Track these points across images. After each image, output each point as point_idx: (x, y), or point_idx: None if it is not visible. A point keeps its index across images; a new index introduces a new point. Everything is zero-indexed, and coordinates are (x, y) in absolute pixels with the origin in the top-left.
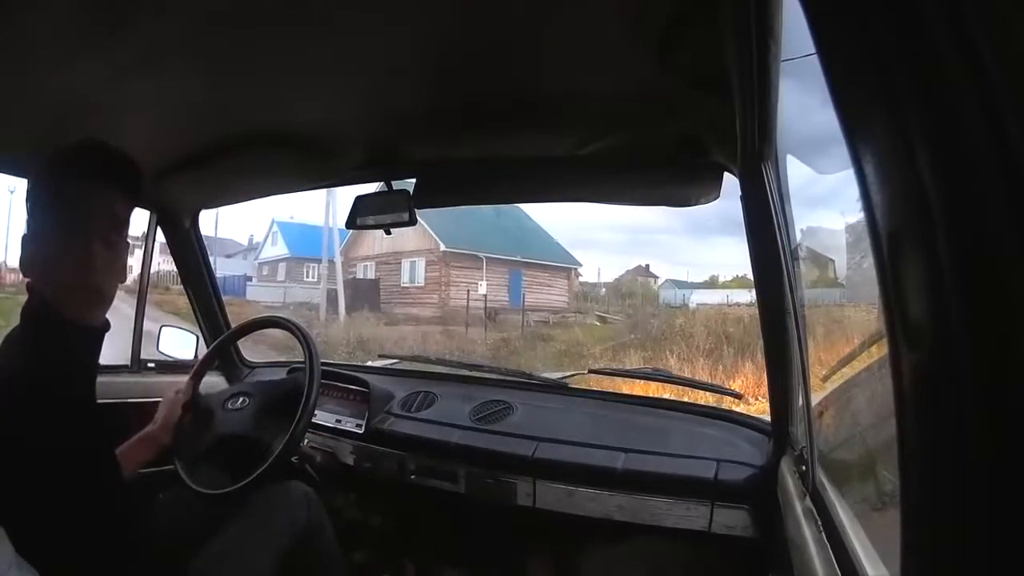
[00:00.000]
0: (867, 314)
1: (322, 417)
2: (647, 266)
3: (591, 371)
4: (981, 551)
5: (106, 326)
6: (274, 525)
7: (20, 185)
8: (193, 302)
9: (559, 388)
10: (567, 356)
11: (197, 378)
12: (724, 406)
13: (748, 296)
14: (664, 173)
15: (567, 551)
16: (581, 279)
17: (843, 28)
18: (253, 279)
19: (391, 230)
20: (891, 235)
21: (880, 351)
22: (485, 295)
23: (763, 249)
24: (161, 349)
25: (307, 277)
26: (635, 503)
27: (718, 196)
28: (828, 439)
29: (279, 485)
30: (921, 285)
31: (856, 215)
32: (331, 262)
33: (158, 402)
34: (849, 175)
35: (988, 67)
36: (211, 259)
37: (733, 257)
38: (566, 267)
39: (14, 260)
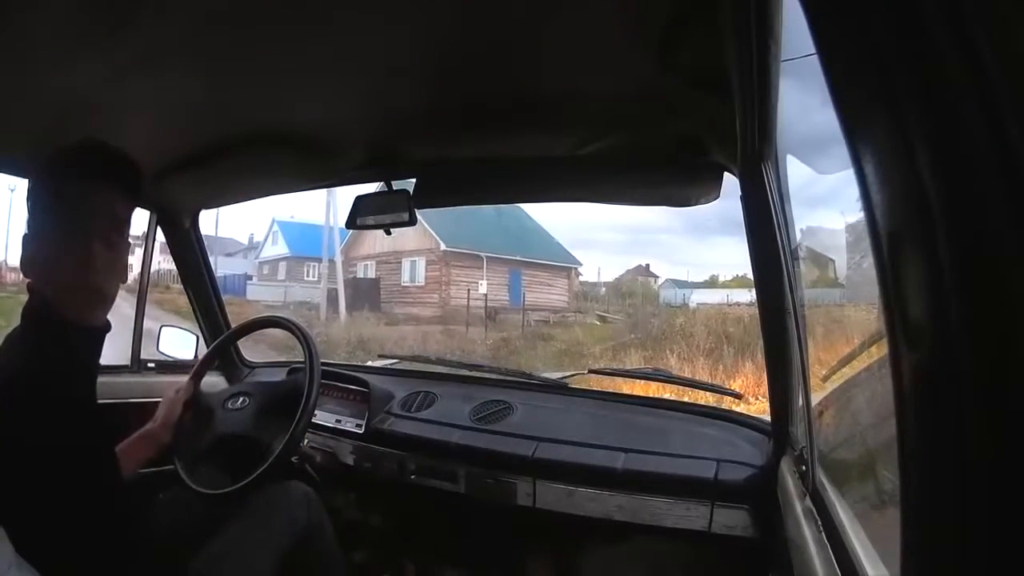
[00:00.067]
0: (867, 314)
1: (322, 417)
2: (647, 266)
3: (591, 371)
4: (981, 551)
5: (107, 327)
6: (274, 525)
7: (20, 184)
8: (193, 302)
9: (559, 388)
10: (567, 355)
11: (197, 378)
12: (724, 406)
13: (748, 296)
14: (664, 173)
15: (567, 551)
16: (581, 279)
17: (843, 28)
18: (253, 278)
19: (391, 230)
20: (891, 235)
21: (880, 351)
22: (485, 295)
23: (763, 249)
24: (161, 349)
25: (307, 276)
26: (635, 503)
27: (718, 196)
28: (828, 439)
29: (279, 485)
30: (921, 285)
31: (856, 215)
32: (331, 261)
33: (158, 402)
34: (849, 175)
35: (988, 67)
36: (211, 258)
37: (733, 257)
38: (566, 267)
39: (14, 259)
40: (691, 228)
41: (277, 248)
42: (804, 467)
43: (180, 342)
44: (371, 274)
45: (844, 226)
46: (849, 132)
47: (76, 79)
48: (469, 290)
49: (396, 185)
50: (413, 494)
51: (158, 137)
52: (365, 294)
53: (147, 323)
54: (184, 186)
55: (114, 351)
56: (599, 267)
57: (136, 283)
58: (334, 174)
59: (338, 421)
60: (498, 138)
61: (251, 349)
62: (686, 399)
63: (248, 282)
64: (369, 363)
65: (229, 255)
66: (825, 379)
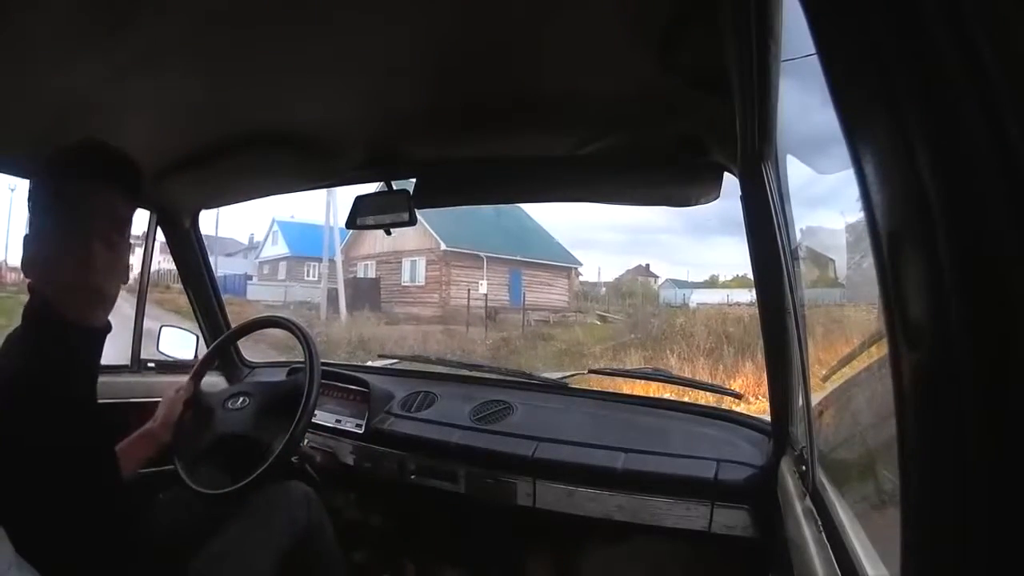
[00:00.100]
0: (867, 314)
1: (322, 417)
2: (647, 266)
3: (591, 371)
4: (981, 551)
5: (107, 328)
6: (274, 525)
7: (20, 184)
8: (193, 302)
9: (559, 388)
10: (568, 355)
11: (197, 378)
12: (724, 406)
13: (748, 296)
14: (664, 173)
15: (567, 551)
16: (581, 278)
17: (843, 28)
18: (254, 278)
19: (391, 230)
20: (891, 235)
21: (880, 351)
22: (486, 294)
23: (763, 249)
24: (161, 349)
25: (308, 276)
26: (635, 503)
27: (718, 196)
28: (828, 439)
29: (279, 485)
30: (921, 285)
31: (856, 215)
32: (332, 261)
33: (158, 402)
34: (849, 175)
35: (988, 67)
36: (211, 258)
37: (733, 257)
38: (566, 267)
39: (14, 259)
40: (691, 228)
41: (277, 248)
42: (804, 467)
43: (180, 342)
44: (371, 274)
45: (844, 226)
46: (849, 132)
47: (76, 79)
48: (469, 290)
49: (396, 185)
50: (413, 494)
51: (158, 137)
52: (365, 294)
53: (147, 323)
54: (184, 186)
55: (114, 351)
56: (599, 267)
57: (136, 283)
58: (334, 174)
59: (338, 421)
60: (498, 138)
61: (251, 349)
62: (686, 399)
63: (248, 282)
64: (369, 363)
65: (229, 255)
66: (825, 379)
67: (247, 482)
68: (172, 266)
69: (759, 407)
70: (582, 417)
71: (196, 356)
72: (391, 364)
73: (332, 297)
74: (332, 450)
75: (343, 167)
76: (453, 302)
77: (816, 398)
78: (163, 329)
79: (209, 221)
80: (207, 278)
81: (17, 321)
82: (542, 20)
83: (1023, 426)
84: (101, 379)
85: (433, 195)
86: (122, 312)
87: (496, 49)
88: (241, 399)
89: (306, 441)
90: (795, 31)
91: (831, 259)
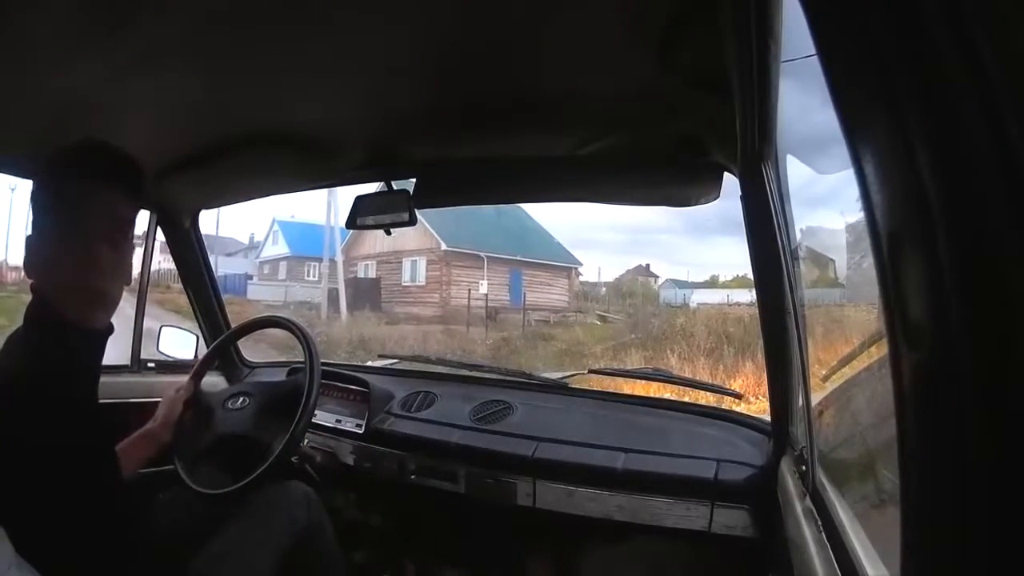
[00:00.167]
0: (867, 314)
1: (322, 417)
2: (647, 266)
3: (591, 371)
4: (981, 551)
5: (109, 329)
6: (274, 525)
7: (20, 184)
8: (193, 302)
9: (559, 388)
10: (568, 355)
11: (197, 378)
12: (724, 406)
13: (748, 296)
14: (664, 173)
15: (567, 551)
16: (581, 279)
17: (843, 28)
18: (254, 278)
19: (392, 230)
20: (891, 235)
21: (880, 351)
22: (486, 294)
23: (763, 249)
24: (161, 349)
25: (308, 276)
26: (635, 503)
27: (718, 196)
28: (828, 439)
29: (279, 485)
30: (921, 285)
31: (856, 215)
32: (332, 261)
33: (158, 402)
34: (849, 175)
35: (988, 67)
36: (212, 258)
37: (733, 257)
38: (567, 267)
39: (14, 258)
40: (691, 228)
41: (278, 248)
42: (804, 467)
43: (180, 342)
44: (372, 274)
45: (844, 226)
46: (849, 132)
47: (76, 79)
48: (470, 290)
49: (396, 185)
50: (413, 494)
51: (158, 137)
52: (366, 294)
53: (147, 323)
54: (184, 186)
55: (115, 351)
56: (599, 267)
57: (136, 283)
58: (334, 174)
59: (338, 421)
60: (498, 138)
61: (251, 349)
62: (686, 399)
63: (249, 282)
64: (369, 363)
65: (229, 255)
66: (825, 379)
67: (247, 482)
68: (172, 266)
69: (759, 407)
70: (582, 417)
71: (196, 356)
72: (391, 364)
73: (333, 297)
74: (332, 450)
75: (343, 167)
76: (453, 302)
77: (816, 398)
78: (163, 329)
79: (209, 221)
80: (207, 278)
81: (17, 321)
82: (542, 20)
83: (1023, 426)
84: (101, 379)
85: (433, 195)
86: (122, 312)
87: (496, 49)
88: (241, 399)
89: (306, 441)
90: (795, 31)
91: (831, 259)
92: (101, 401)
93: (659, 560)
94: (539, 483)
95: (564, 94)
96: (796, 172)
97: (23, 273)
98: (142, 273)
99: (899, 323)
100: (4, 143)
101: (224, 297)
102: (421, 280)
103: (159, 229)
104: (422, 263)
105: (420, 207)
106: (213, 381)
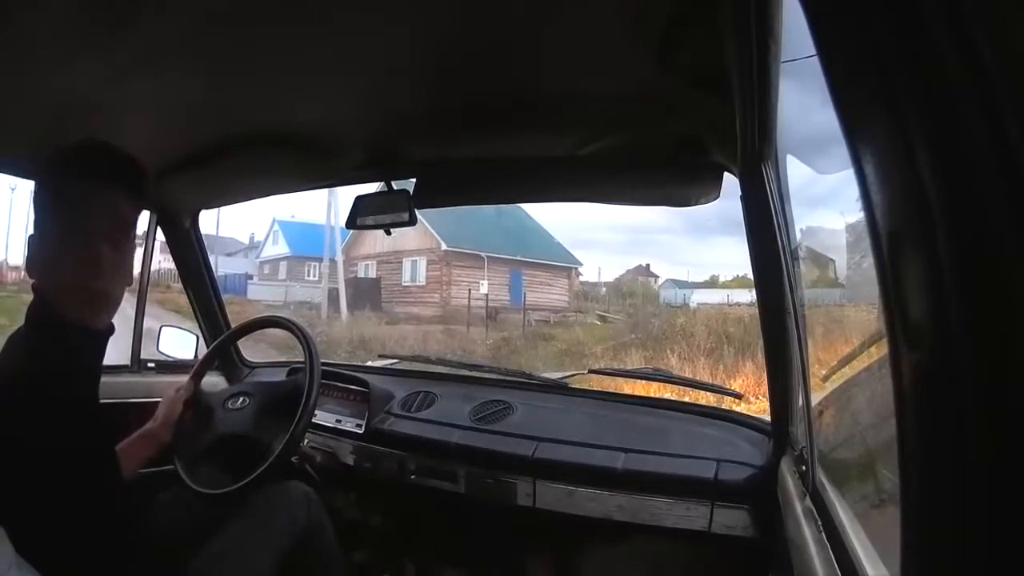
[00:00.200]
0: (867, 314)
1: (322, 417)
2: (647, 266)
3: (591, 371)
4: (981, 551)
5: (110, 330)
6: (274, 525)
7: (21, 183)
8: (193, 302)
9: (559, 388)
10: (568, 355)
11: (197, 377)
12: (724, 406)
13: (748, 296)
14: (664, 173)
15: (567, 551)
16: (582, 278)
17: (843, 28)
18: (254, 278)
19: (392, 230)
20: (891, 235)
21: (880, 351)
22: (486, 294)
23: (763, 249)
24: (161, 349)
25: (308, 276)
26: (635, 503)
27: (718, 196)
28: (828, 439)
29: (279, 485)
30: (921, 285)
31: (856, 215)
32: (332, 261)
33: (158, 402)
34: (849, 175)
35: (988, 67)
36: (212, 258)
37: (733, 257)
38: (567, 267)
39: (14, 258)
40: (691, 228)
41: (278, 248)
42: (804, 467)
43: (180, 342)
44: (372, 274)
45: (844, 226)
46: (849, 132)
47: (76, 79)
48: (470, 290)
49: (396, 185)
50: (413, 494)
51: (158, 137)
52: (366, 294)
53: (147, 323)
54: (184, 186)
55: (115, 351)
56: (599, 267)
57: (136, 283)
58: (334, 174)
59: (338, 421)
60: (498, 138)
61: (251, 349)
62: (686, 399)
63: (249, 281)
64: (369, 363)
65: (230, 255)
66: (825, 379)
67: (247, 482)
68: (172, 266)
69: (759, 407)
70: (582, 417)
71: (196, 356)
72: (391, 364)
73: (333, 297)
74: (332, 450)
75: (343, 167)
76: (454, 302)
77: (816, 398)
78: (163, 329)
79: (209, 221)
80: (207, 278)
81: (17, 321)
82: (542, 20)
83: (1023, 426)
84: (101, 379)
85: (433, 195)
86: (122, 312)
87: (496, 49)
88: (241, 399)
89: (306, 441)
90: (795, 31)
91: (831, 259)
92: (101, 401)
93: (659, 560)
94: (539, 483)
95: (564, 94)
96: (796, 172)
97: (23, 273)
98: (142, 273)
99: (899, 323)
100: (4, 143)
101: (224, 297)
102: (421, 280)
103: (159, 229)
104: (422, 263)
105: (420, 207)
106: (213, 381)
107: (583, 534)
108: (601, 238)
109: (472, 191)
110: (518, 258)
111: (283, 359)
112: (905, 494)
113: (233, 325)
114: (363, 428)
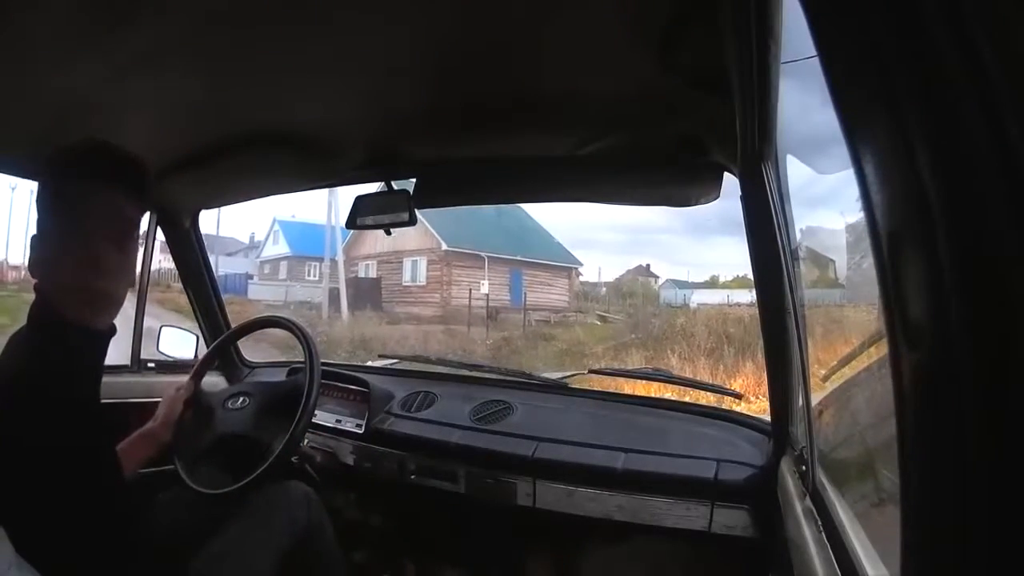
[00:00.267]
0: (867, 314)
1: (322, 417)
2: (648, 266)
3: (591, 371)
4: (981, 551)
5: (112, 330)
6: (274, 525)
7: (21, 183)
8: (193, 302)
9: (559, 388)
10: (568, 355)
11: (198, 377)
12: (724, 406)
13: (748, 296)
14: (664, 173)
15: (567, 551)
16: (582, 279)
17: (843, 28)
18: (255, 277)
19: (392, 230)
20: (891, 235)
21: (880, 351)
22: (487, 294)
23: (763, 249)
24: (161, 349)
25: (309, 276)
26: (635, 503)
27: (718, 196)
28: (828, 439)
29: (279, 485)
30: (921, 285)
31: (856, 215)
32: (333, 261)
33: (158, 402)
34: (849, 175)
35: (988, 67)
36: (212, 258)
37: (733, 257)
38: (567, 267)
39: (14, 258)
40: (691, 228)
41: (278, 247)
42: (804, 467)
43: (180, 342)
44: (372, 274)
45: (844, 226)
46: (849, 132)
47: (76, 79)
48: (470, 290)
49: (396, 185)
50: (413, 494)
51: (158, 137)
52: (367, 294)
53: (148, 322)
54: (184, 186)
55: (115, 351)
56: (599, 267)
57: (136, 283)
58: (334, 174)
59: (338, 421)
60: (498, 138)
61: (251, 349)
62: (686, 399)
63: (249, 281)
64: (369, 363)
65: (230, 254)
66: (825, 379)
67: (247, 482)
68: (172, 266)
69: (759, 407)
70: (582, 417)
71: (196, 356)
72: (391, 364)
73: (333, 297)
74: (332, 450)
75: (343, 167)
76: (454, 302)
77: (816, 398)
78: (163, 329)
79: (209, 221)
80: (207, 278)
81: (18, 320)
82: (542, 20)
83: (1023, 426)
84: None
85: (433, 195)
86: (122, 312)
87: (496, 49)
88: (241, 399)
89: (306, 441)
90: (795, 31)
91: (831, 259)
92: (101, 401)
93: (659, 560)
94: (539, 483)
95: (564, 94)
96: (796, 172)
97: (24, 272)
98: (142, 273)
99: (899, 323)
100: (4, 143)
101: (224, 297)
102: (422, 280)
103: (159, 229)
104: (423, 263)
105: (420, 207)
106: (213, 381)
107: (583, 534)
108: (601, 238)
109: (472, 191)
110: (518, 258)
111: (283, 359)
112: (905, 494)
113: (233, 325)
114: (363, 428)
